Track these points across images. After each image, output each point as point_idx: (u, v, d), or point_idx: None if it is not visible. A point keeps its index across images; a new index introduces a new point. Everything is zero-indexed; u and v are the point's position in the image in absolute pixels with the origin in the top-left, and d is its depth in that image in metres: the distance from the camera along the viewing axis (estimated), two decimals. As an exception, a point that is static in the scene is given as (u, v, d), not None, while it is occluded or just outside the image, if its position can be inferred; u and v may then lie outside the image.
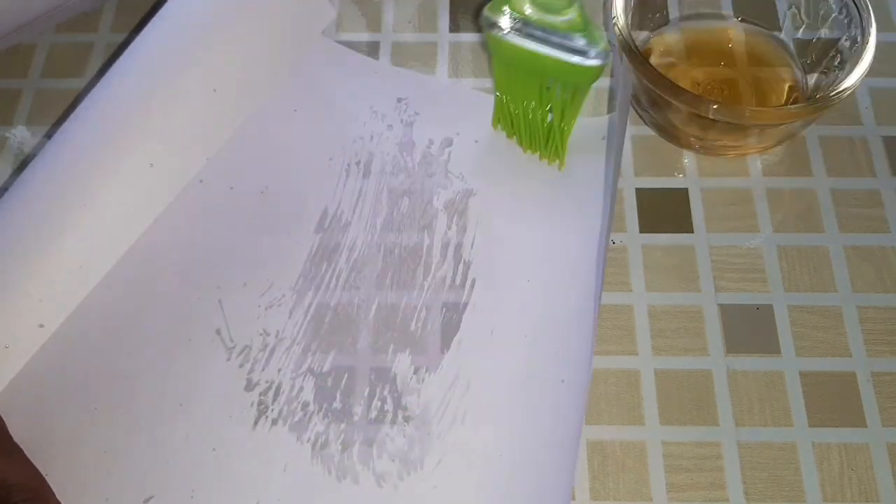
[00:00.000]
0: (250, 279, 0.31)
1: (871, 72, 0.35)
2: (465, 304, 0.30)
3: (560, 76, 0.29)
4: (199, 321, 0.30)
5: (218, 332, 0.30)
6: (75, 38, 0.38)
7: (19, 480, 0.26)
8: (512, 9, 0.28)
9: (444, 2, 0.38)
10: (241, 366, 0.29)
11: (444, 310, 0.30)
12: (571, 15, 0.28)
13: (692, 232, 0.32)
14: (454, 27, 0.37)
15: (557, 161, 0.33)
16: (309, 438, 0.28)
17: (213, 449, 0.28)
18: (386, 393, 0.29)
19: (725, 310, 0.30)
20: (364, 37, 0.37)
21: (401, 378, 0.29)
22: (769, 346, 0.30)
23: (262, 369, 0.29)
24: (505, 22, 0.28)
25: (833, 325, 0.30)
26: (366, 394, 0.29)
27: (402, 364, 0.29)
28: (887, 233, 0.32)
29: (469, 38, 0.37)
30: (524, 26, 0.28)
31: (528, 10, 0.28)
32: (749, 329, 0.30)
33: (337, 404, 0.29)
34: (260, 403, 0.29)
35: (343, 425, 0.28)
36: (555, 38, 0.28)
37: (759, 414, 0.28)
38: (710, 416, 0.28)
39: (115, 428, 0.28)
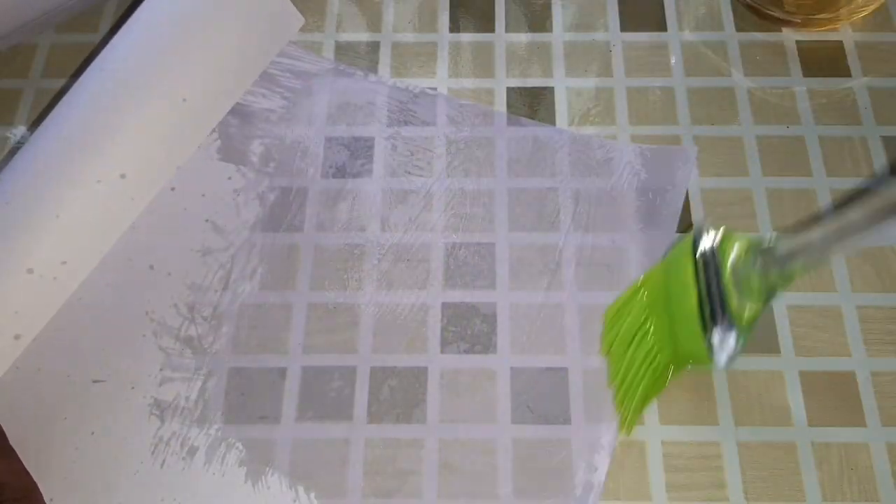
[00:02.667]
0: (226, 285, 0.31)
1: (871, 72, 0.35)
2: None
3: (683, 341, 0.27)
4: (174, 328, 0.30)
5: (190, 339, 0.30)
6: (75, 38, 0.38)
7: (11, 480, 0.26)
8: (725, 251, 0.26)
9: (444, 2, 0.38)
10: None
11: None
12: (751, 309, 0.25)
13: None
14: (454, 27, 0.37)
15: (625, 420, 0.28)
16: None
17: (183, 458, 0.28)
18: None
19: (725, 309, 0.30)
20: (364, 37, 0.37)
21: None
22: (769, 345, 0.30)
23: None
24: (707, 248, 0.26)
25: (833, 324, 0.30)
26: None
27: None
28: (887, 233, 0.32)
29: (469, 38, 0.37)
30: (714, 271, 0.26)
31: (731, 267, 0.26)
32: (749, 329, 0.30)
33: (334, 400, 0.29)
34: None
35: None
36: (717, 308, 0.26)
37: (759, 413, 0.28)
38: (710, 416, 0.28)
39: (84, 436, 0.28)
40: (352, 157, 0.34)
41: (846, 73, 0.35)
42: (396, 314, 0.30)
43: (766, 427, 0.28)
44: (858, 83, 0.35)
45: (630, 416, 0.28)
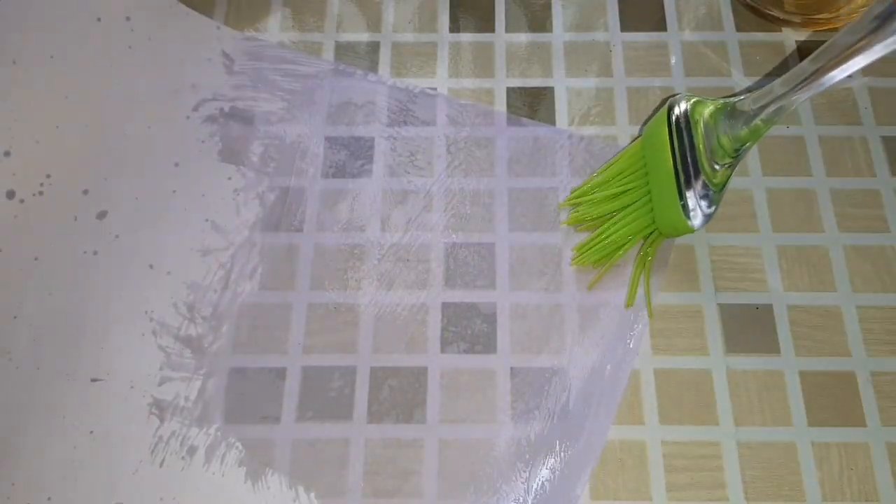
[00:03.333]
0: (226, 284, 0.31)
1: (871, 71, 0.35)
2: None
3: (661, 208, 0.29)
4: (174, 328, 0.30)
5: (190, 339, 0.30)
6: (75, 37, 0.38)
7: None
8: (696, 117, 0.28)
9: (444, 2, 0.38)
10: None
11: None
12: (722, 169, 0.28)
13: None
14: (454, 27, 0.37)
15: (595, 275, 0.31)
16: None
17: (182, 458, 0.28)
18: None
19: (725, 309, 0.30)
20: (364, 37, 0.37)
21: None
22: (769, 345, 0.30)
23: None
24: (679, 113, 0.29)
25: (832, 324, 0.30)
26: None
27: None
28: (887, 232, 0.32)
29: (469, 38, 0.37)
30: (687, 137, 0.28)
31: (702, 129, 0.28)
32: (749, 329, 0.30)
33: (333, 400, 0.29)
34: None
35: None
36: (690, 172, 0.28)
37: (759, 413, 0.28)
38: (710, 416, 0.28)
39: (83, 435, 0.28)
40: (352, 157, 0.34)
41: (846, 74, 0.35)
42: (396, 314, 0.30)
43: (766, 427, 0.28)
44: (858, 83, 0.35)
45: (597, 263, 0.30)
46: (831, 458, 0.28)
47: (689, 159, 0.28)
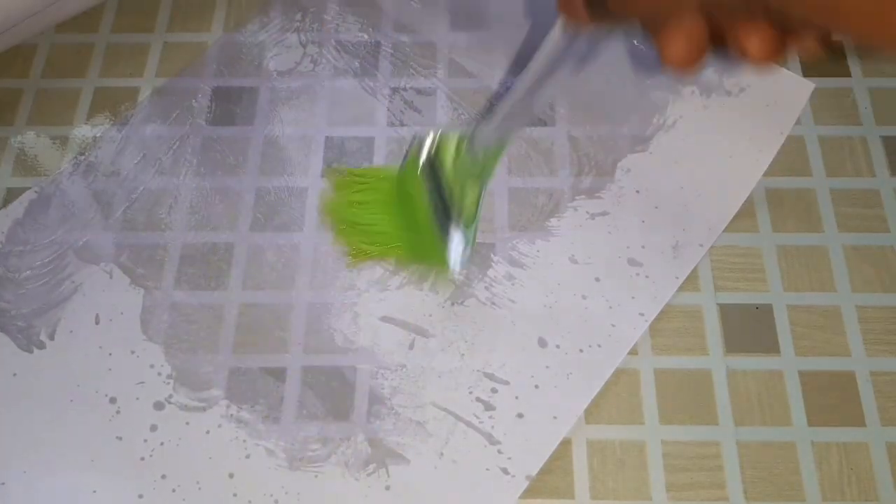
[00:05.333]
0: None
1: (871, 72, 0.35)
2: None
3: (418, 246, 0.30)
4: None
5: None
6: (75, 38, 0.38)
7: None
8: (443, 156, 0.29)
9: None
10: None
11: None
12: (471, 198, 0.29)
13: (692, 232, 0.32)
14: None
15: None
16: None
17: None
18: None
19: (725, 309, 0.30)
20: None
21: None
22: (768, 345, 0.30)
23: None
24: (425, 160, 0.30)
25: (832, 324, 0.30)
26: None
27: None
28: (886, 232, 0.32)
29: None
30: (436, 182, 0.29)
31: (452, 166, 0.29)
32: (748, 329, 0.30)
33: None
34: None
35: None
36: (443, 218, 0.29)
37: (759, 413, 0.29)
38: (710, 416, 0.28)
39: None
40: (351, 156, 0.34)
41: (846, 73, 0.36)
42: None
43: (766, 427, 0.28)
44: (858, 83, 0.35)
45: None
46: (831, 457, 0.28)
47: (440, 208, 0.29)
